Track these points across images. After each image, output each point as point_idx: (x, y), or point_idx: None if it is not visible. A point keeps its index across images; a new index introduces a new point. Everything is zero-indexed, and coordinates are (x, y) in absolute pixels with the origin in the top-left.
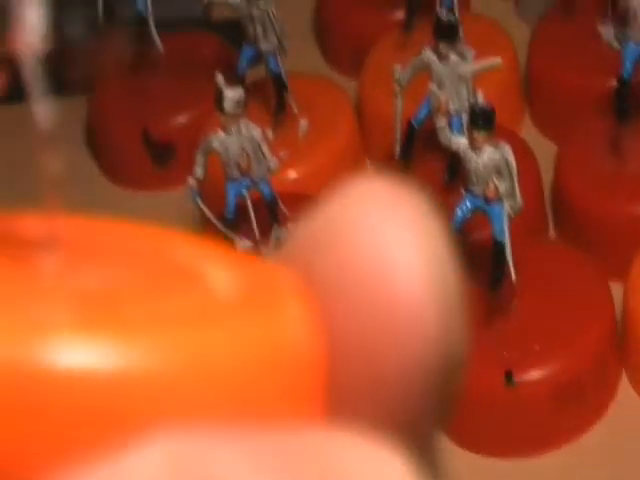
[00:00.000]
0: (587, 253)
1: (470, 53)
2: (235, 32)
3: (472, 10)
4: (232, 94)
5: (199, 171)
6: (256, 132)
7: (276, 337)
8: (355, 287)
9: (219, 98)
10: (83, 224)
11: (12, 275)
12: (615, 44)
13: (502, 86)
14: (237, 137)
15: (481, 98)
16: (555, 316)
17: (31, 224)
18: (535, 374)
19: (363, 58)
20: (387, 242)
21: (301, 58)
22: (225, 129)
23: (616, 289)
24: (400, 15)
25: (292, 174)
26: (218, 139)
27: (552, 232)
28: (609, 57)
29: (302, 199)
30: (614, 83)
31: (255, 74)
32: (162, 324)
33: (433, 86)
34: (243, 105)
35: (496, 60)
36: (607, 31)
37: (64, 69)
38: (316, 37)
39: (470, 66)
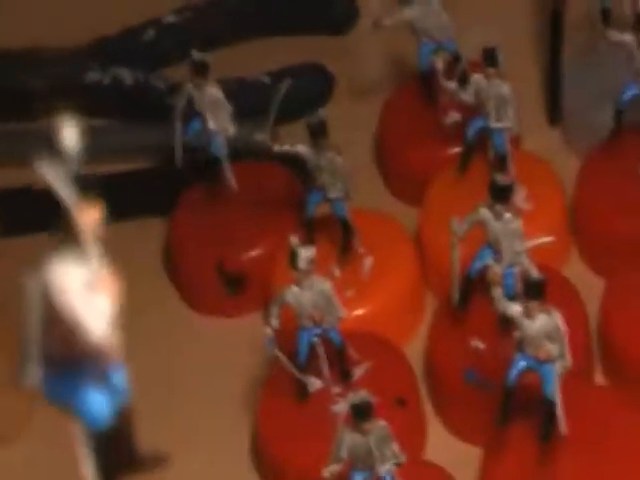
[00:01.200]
0: (634, 397)
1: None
2: (298, 161)
3: (523, 144)
4: (305, 253)
5: (274, 322)
6: (326, 286)
7: None
8: None
9: (293, 257)
10: None
11: None
12: None
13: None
14: (309, 291)
15: (534, 270)
16: (605, 460)
17: None
18: None
19: (422, 189)
20: None
21: (362, 185)
22: (298, 284)
23: None
24: (457, 148)
25: (357, 312)
26: (292, 293)
27: (599, 372)
28: None
29: (366, 336)
30: None
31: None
32: None
33: (490, 260)
34: (314, 262)
35: (548, 239)
36: None
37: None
38: (376, 163)
39: (524, 243)
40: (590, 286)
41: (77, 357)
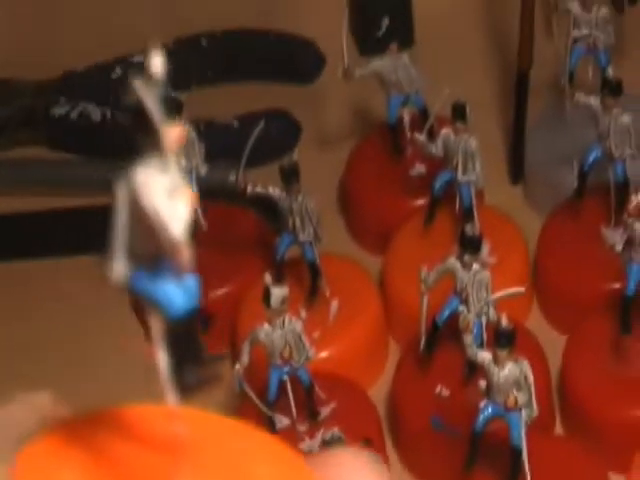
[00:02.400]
0: (590, 446)
1: (490, 258)
2: (268, 205)
3: (486, 199)
4: (278, 292)
5: (245, 359)
6: (298, 325)
7: None
8: None
9: (266, 295)
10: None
11: None
12: (617, 248)
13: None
14: (281, 330)
15: (504, 320)
16: None
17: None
18: None
19: (386, 238)
20: None
21: (325, 233)
22: (270, 322)
23: None
24: (422, 200)
25: (323, 354)
26: (264, 331)
27: (558, 421)
28: (612, 259)
29: (332, 377)
30: (617, 285)
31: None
32: None
33: (463, 307)
34: (287, 301)
35: (519, 290)
36: (610, 236)
37: None
38: (341, 211)
39: (491, 293)
40: (549, 340)
41: (158, 255)
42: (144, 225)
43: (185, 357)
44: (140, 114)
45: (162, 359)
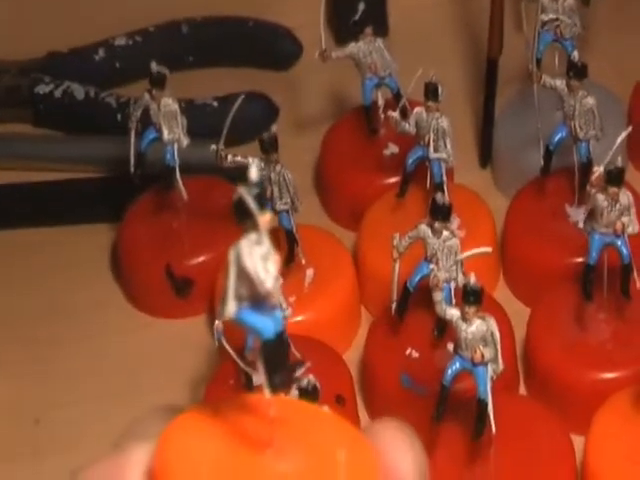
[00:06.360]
0: (553, 408)
1: (459, 232)
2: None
3: (455, 179)
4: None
5: None
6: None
7: None
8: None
9: None
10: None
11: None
12: (580, 225)
13: None
14: None
15: (473, 278)
16: (524, 463)
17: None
18: None
19: (360, 215)
20: (399, 461)
21: (302, 212)
22: None
23: (578, 441)
24: (394, 178)
25: (298, 318)
26: None
27: (522, 384)
28: (575, 235)
29: (307, 339)
30: (579, 258)
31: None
32: None
33: (433, 266)
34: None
35: (486, 249)
36: (574, 214)
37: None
38: (317, 192)
39: (463, 253)
40: (516, 312)
41: (255, 298)
42: (246, 278)
43: (274, 366)
44: (243, 206)
45: (260, 368)
